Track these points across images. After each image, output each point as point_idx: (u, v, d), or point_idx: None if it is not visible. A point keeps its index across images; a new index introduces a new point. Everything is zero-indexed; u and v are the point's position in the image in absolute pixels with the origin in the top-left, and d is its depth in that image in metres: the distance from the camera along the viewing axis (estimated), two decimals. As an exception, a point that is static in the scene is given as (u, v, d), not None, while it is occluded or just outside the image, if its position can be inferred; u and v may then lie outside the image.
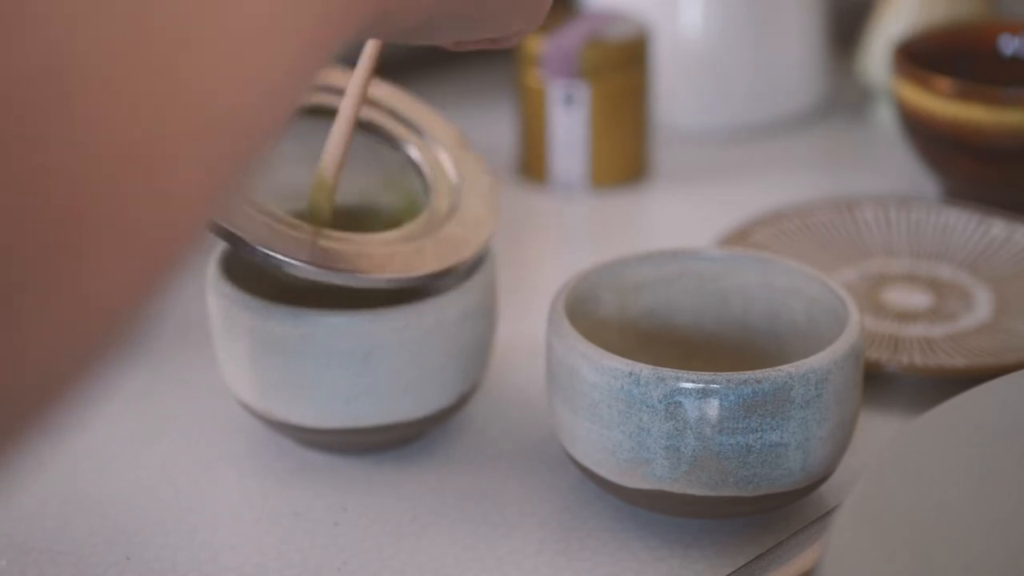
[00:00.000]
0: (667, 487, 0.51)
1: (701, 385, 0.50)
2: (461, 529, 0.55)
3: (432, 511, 0.56)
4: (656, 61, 0.89)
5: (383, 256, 0.55)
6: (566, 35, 0.82)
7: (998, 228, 0.74)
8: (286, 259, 0.53)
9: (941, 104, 0.77)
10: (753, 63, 0.92)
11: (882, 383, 0.64)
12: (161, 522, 0.56)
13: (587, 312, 0.57)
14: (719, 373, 0.50)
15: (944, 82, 0.76)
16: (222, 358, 0.58)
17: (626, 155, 0.84)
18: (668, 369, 0.50)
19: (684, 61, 0.91)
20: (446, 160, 0.62)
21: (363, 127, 0.62)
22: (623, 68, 0.82)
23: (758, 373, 0.50)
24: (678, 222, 0.83)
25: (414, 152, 0.62)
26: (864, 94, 0.96)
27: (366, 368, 0.55)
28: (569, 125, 0.83)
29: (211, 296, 0.58)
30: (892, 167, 0.87)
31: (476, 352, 0.58)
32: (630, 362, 0.51)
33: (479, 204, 0.60)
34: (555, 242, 0.83)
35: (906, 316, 0.69)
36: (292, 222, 0.54)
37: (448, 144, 0.63)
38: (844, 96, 0.97)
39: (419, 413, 0.57)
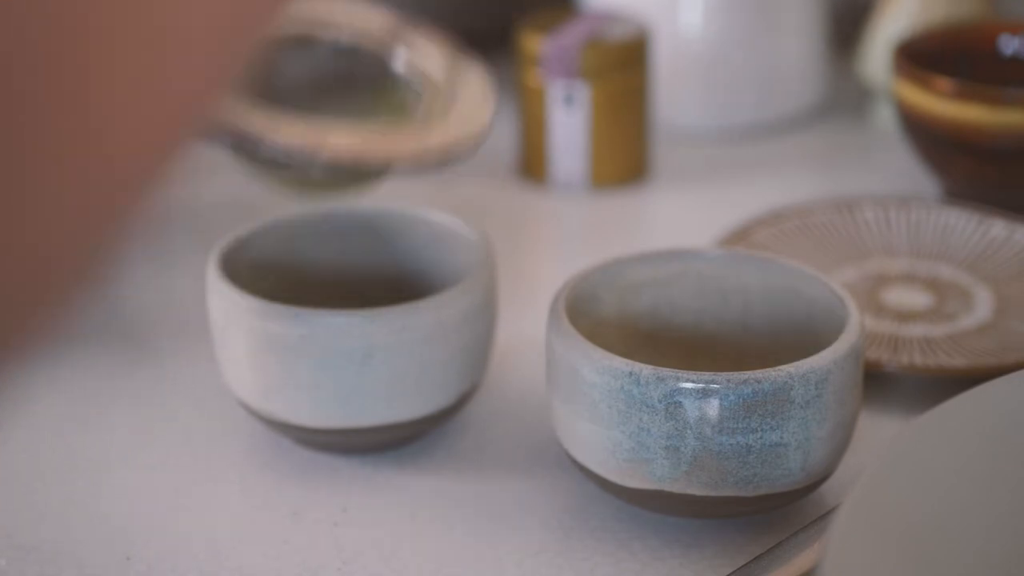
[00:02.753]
0: (667, 487, 0.51)
1: (701, 385, 0.50)
2: (461, 529, 0.55)
3: (432, 511, 0.56)
4: (656, 61, 0.88)
5: (387, 143, 0.55)
6: (566, 35, 0.82)
7: (998, 228, 0.74)
8: (294, 150, 0.53)
9: (941, 104, 0.77)
10: (753, 63, 0.92)
11: (882, 383, 0.64)
12: (161, 522, 0.56)
13: (587, 312, 0.57)
14: (719, 373, 0.50)
15: (944, 82, 0.76)
16: (222, 358, 0.58)
17: (626, 155, 0.84)
18: (668, 369, 0.50)
19: (684, 61, 0.91)
20: (436, 64, 0.62)
21: (349, 51, 0.63)
22: (623, 68, 0.82)
23: (758, 373, 0.50)
24: (678, 222, 0.83)
25: (402, 64, 0.62)
26: (864, 94, 0.96)
27: (366, 368, 0.55)
28: (569, 125, 0.82)
29: (211, 296, 0.58)
30: (892, 167, 0.87)
31: (476, 352, 0.58)
32: (630, 362, 0.51)
33: (474, 95, 0.61)
34: (555, 242, 0.83)
35: (906, 316, 0.69)
36: (292, 120, 0.55)
37: (435, 51, 0.63)
38: (844, 96, 0.97)
39: (419, 413, 0.57)
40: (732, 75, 0.92)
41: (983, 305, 0.69)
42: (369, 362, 0.55)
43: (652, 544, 0.54)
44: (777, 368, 0.50)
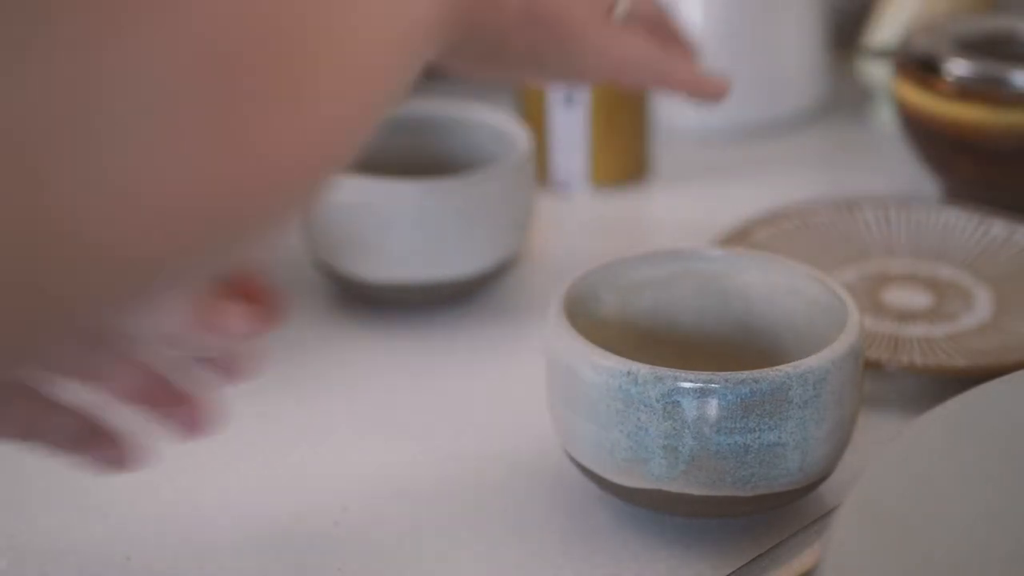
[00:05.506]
0: (665, 486, 0.51)
1: (699, 385, 0.50)
2: (461, 529, 0.55)
3: (432, 511, 0.56)
4: (656, 61, 0.88)
5: None
6: (566, 35, 0.82)
7: (998, 228, 0.74)
8: None
9: (942, 104, 0.77)
10: (753, 63, 0.92)
11: (882, 383, 0.64)
12: (161, 522, 0.56)
13: (587, 312, 0.57)
14: (717, 373, 0.50)
15: (944, 82, 0.76)
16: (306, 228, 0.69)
17: (626, 155, 0.84)
18: (666, 369, 0.50)
19: (684, 61, 0.91)
20: None
21: None
22: (623, 68, 0.82)
23: (756, 373, 0.50)
24: (678, 222, 0.83)
25: None
26: (864, 94, 0.96)
27: (418, 231, 0.66)
28: (569, 125, 0.83)
29: None
30: (892, 167, 0.87)
31: (515, 224, 0.69)
32: (628, 361, 0.51)
33: None
34: (555, 242, 0.83)
35: (906, 316, 0.69)
36: None
37: None
38: (844, 96, 0.97)
39: (464, 273, 0.67)
40: (732, 75, 0.91)
41: (983, 305, 0.69)
42: (420, 225, 0.66)
43: (652, 544, 0.54)
44: (775, 368, 0.50)
